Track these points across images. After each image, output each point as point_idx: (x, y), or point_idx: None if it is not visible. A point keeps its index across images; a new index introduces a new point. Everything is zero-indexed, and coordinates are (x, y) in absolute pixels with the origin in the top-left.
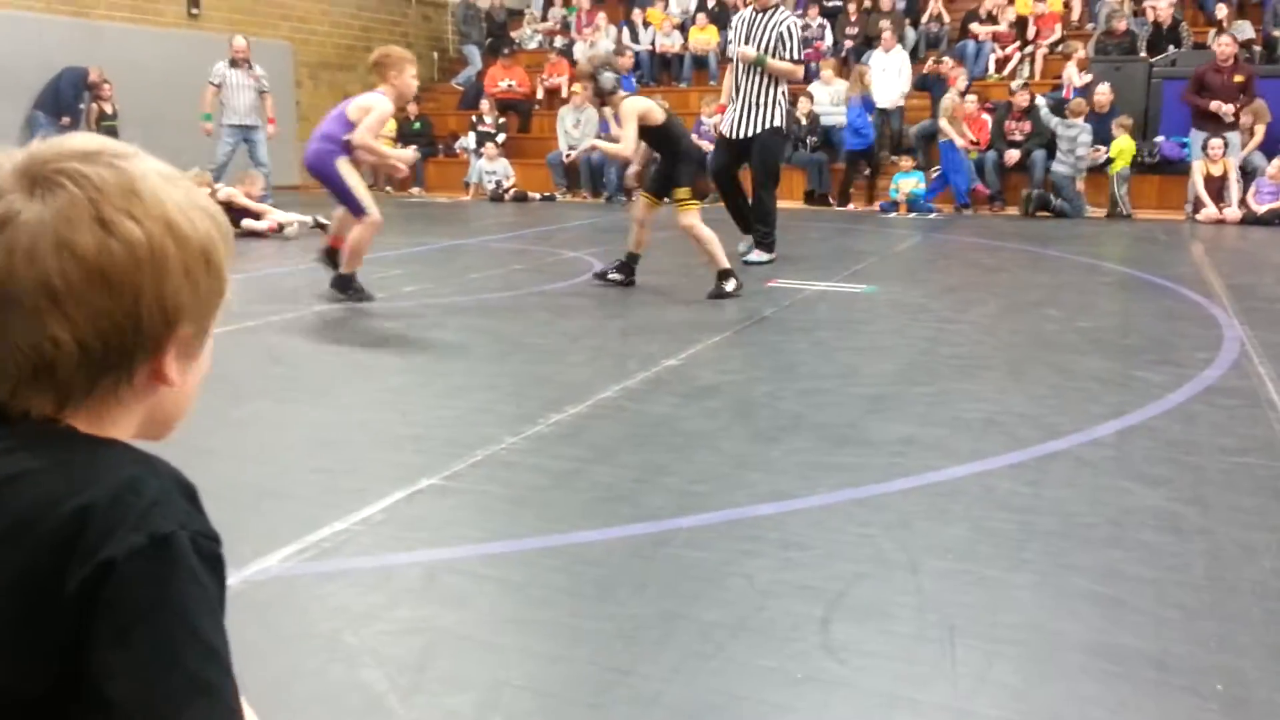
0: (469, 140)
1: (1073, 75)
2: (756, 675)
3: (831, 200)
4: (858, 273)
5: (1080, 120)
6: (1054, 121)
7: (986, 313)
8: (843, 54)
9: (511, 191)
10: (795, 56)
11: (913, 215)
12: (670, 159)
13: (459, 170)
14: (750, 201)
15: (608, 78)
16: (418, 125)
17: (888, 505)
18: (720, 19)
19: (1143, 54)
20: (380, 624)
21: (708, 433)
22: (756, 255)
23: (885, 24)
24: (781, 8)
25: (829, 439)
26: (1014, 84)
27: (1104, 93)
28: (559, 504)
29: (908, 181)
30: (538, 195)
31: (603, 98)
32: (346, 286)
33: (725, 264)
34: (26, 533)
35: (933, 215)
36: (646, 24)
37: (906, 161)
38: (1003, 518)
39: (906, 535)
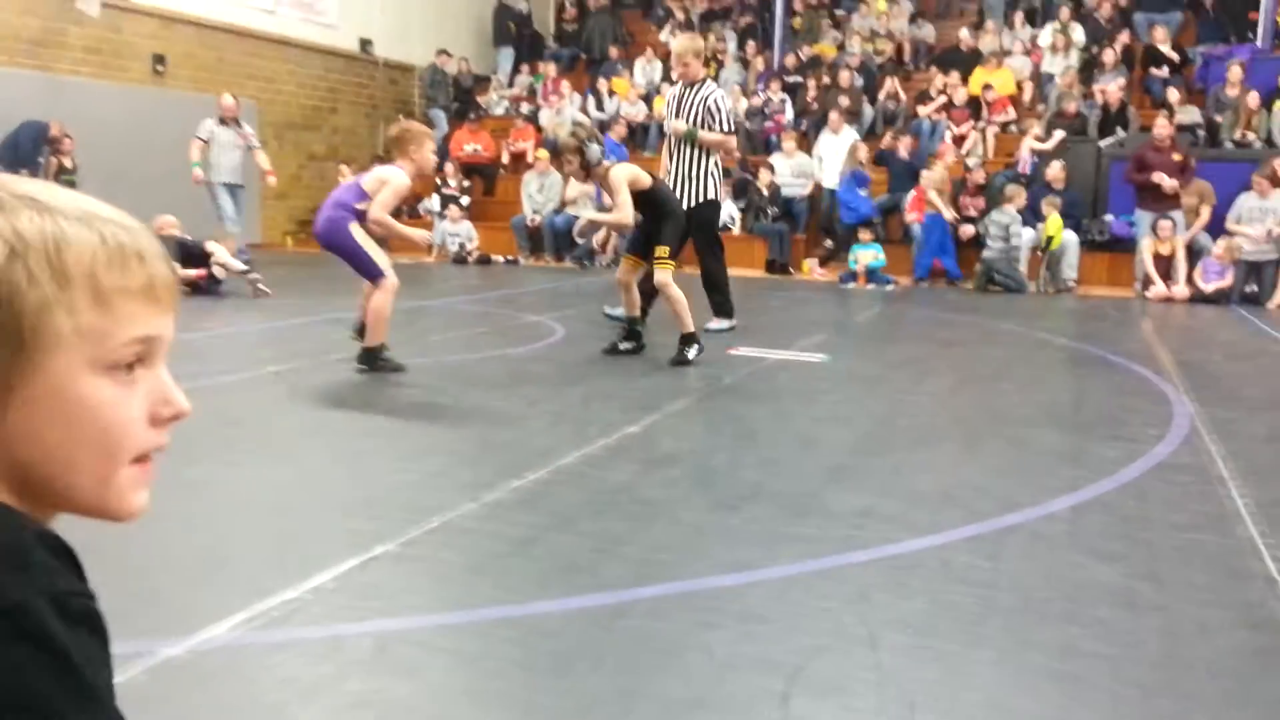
0: (433, 202)
1: (1024, 152)
2: None
3: (792, 270)
4: (818, 343)
5: (1011, 208)
6: (986, 221)
7: (942, 385)
8: (803, 128)
9: (475, 254)
10: (725, 128)
11: (871, 286)
12: (655, 220)
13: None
14: (701, 273)
15: (595, 150)
16: None
17: (847, 577)
18: None
19: (1092, 135)
20: (329, 696)
21: (667, 501)
22: (716, 324)
23: (834, 111)
24: (709, 82)
25: (788, 509)
26: (970, 160)
27: (1055, 170)
28: (516, 572)
29: (866, 254)
30: (501, 258)
31: (589, 170)
32: (374, 360)
33: (690, 328)
34: None
35: (890, 287)
36: (611, 93)
37: (866, 234)
38: (961, 592)
39: (866, 609)
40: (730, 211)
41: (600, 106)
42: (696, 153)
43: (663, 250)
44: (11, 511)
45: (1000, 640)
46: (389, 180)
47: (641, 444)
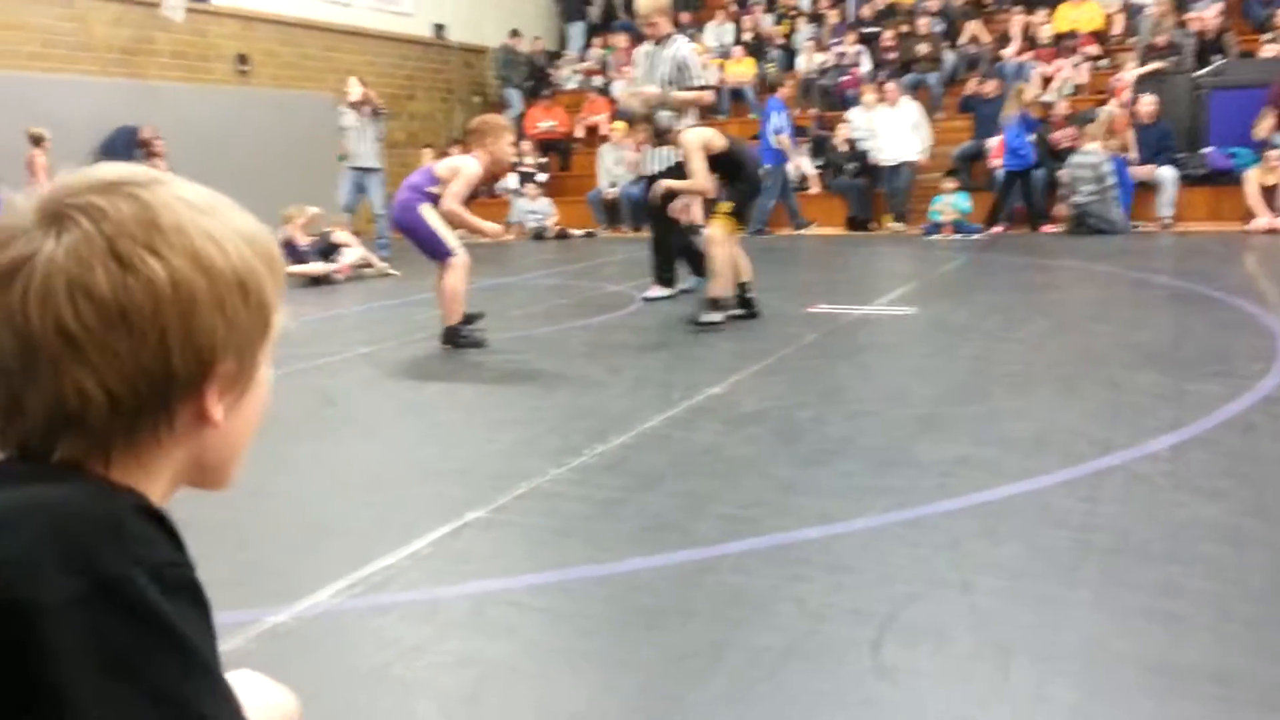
0: (511, 181)
1: (1127, 84)
2: (809, 700)
3: (873, 225)
4: (903, 295)
5: (1096, 145)
6: (1067, 164)
7: (1035, 330)
8: (879, 79)
9: (553, 229)
10: (696, 82)
11: (957, 236)
12: (731, 181)
13: (501, 210)
14: (654, 238)
15: (664, 116)
16: None
17: (938, 526)
18: (757, 50)
19: (1188, 66)
20: (430, 657)
21: (753, 459)
22: (655, 291)
23: (889, 84)
24: (676, 37)
25: (876, 461)
26: (1048, 96)
27: (1149, 103)
28: (605, 533)
29: (949, 203)
30: (579, 232)
31: (662, 136)
32: (456, 337)
33: (721, 292)
34: None
35: (977, 236)
36: None
37: (949, 183)
38: (1057, 535)
39: (958, 555)
40: (806, 169)
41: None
42: (671, 115)
43: (726, 206)
44: (115, 488)
45: (1098, 582)
46: (461, 169)
47: (725, 404)
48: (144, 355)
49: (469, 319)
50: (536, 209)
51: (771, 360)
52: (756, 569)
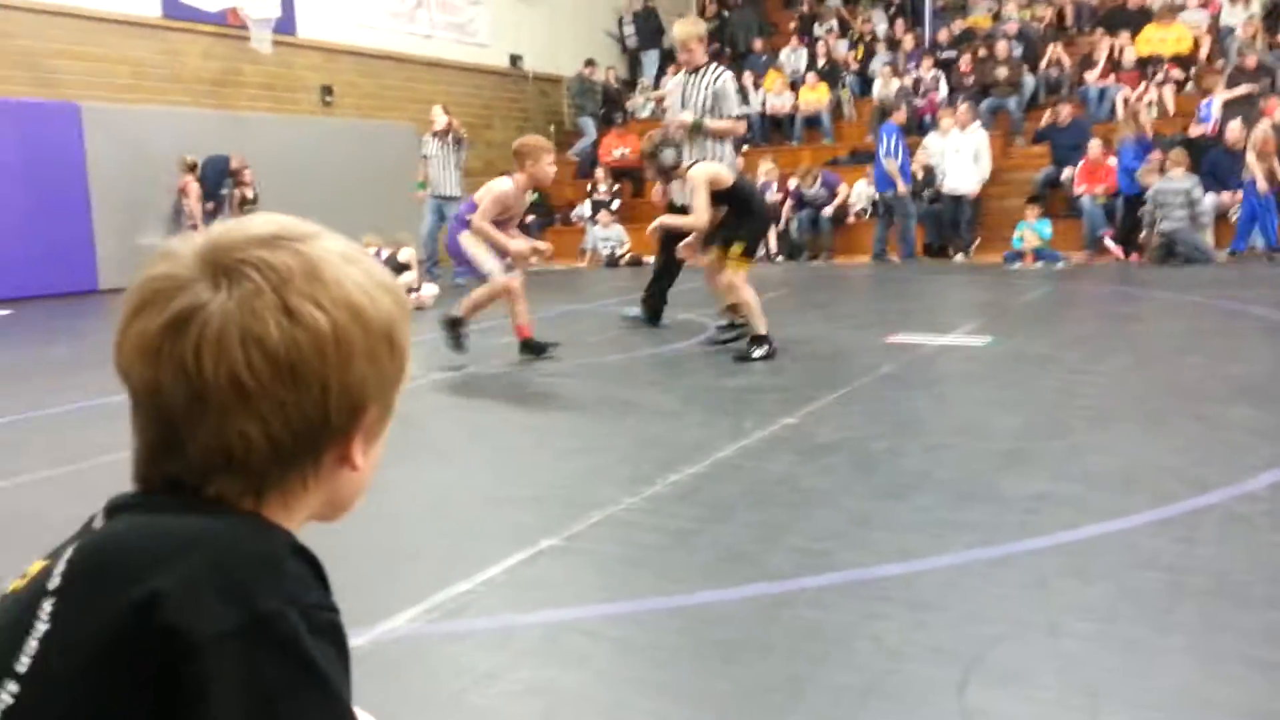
0: (585, 208)
1: (1216, 107)
2: None
3: (951, 253)
4: (981, 325)
5: (1181, 171)
6: (1149, 197)
7: (1120, 363)
8: (959, 103)
9: (626, 256)
10: (732, 113)
11: (1039, 264)
12: (739, 215)
13: (575, 238)
14: (662, 263)
15: (668, 154)
16: (536, 196)
17: (1023, 565)
18: (830, 77)
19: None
20: (504, 684)
21: (829, 490)
22: (635, 310)
23: (961, 105)
24: (714, 64)
25: (956, 496)
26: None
27: (1234, 129)
28: (679, 564)
29: (1033, 231)
30: (652, 259)
31: (667, 174)
32: (454, 327)
33: (763, 329)
34: (114, 598)
35: (1060, 265)
36: (757, 86)
37: (1032, 210)
38: (1149, 577)
39: (1045, 596)
40: (867, 195)
41: (746, 100)
42: (708, 143)
43: (737, 248)
44: (270, 526)
45: (1193, 626)
46: (491, 189)
47: (799, 435)
48: (306, 405)
49: (540, 347)
50: (609, 236)
51: (847, 390)
52: (834, 604)
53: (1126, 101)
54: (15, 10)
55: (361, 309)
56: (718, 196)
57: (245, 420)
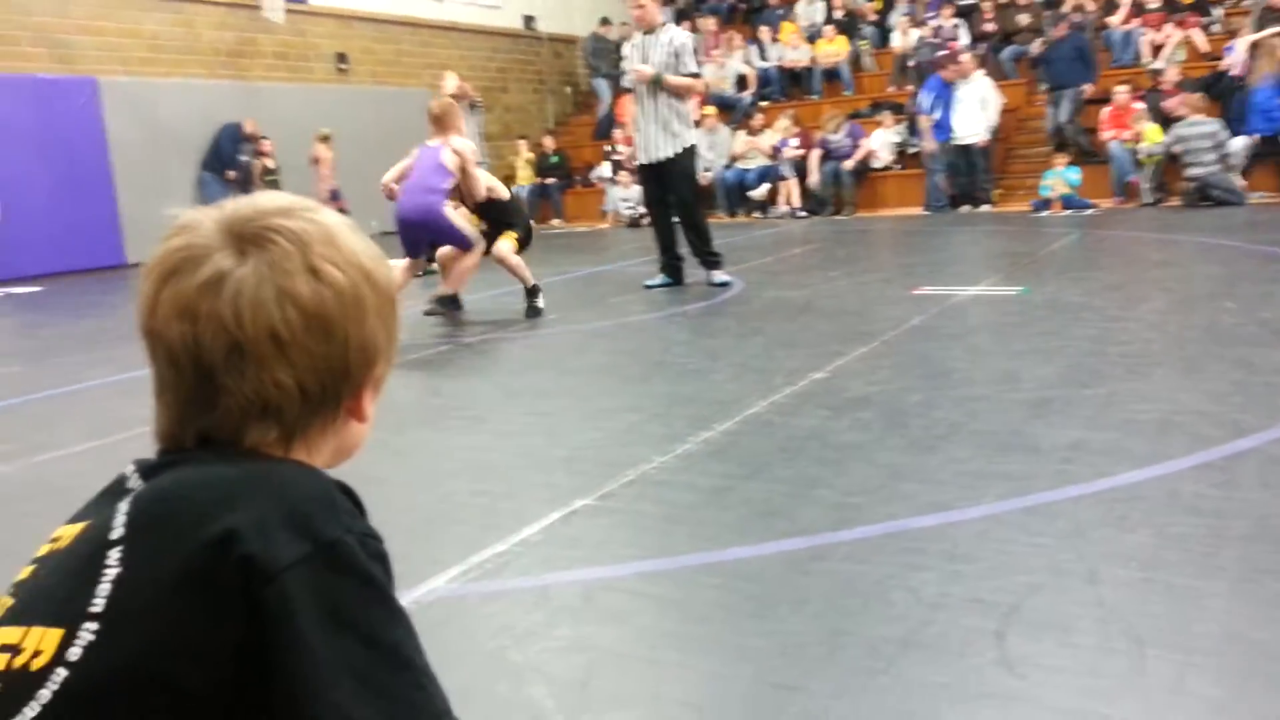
0: (604, 169)
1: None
2: (930, 692)
3: (968, 204)
4: (1012, 275)
5: (1201, 115)
6: (1169, 138)
7: (1155, 308)
8: (981, 52)
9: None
10: (693, 69)
11: (1068, 212)
12: (504, 216)
13: (596, 199)
14: (686, 228)
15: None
16: (555, 159)
17: (1060, 513)
18: (849, 28)
19: None
20: (543, 642)
21: (861, 444)
22: (719, 276)
23: (966, 56)
24: (669, 25)
25: (990, 447)
26: (1159, 62)
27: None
28: (713, 521)
29: (1061, 179)
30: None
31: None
32: (447, 304)
33: (532, 281)
34: (189, 537)
35: (1089, 211)
36: (774, 40)
37: (1060, 159)
38: (1189, 523)
39: (1083, 544)
40: (889, 145)
41: (763, 55)
42: (669, 99)
43: (512, 234)
44: (316, 470)
45: (1236, 570)
46: (464, 153)
47: (829, 389)
48: (331, 355)
49: (456, 304)
50: (629, 196)
51: (876, 344)
52: (868, 557)
53: (1156, 46)
54: None
55: (371, 271)
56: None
57: (281, 369)
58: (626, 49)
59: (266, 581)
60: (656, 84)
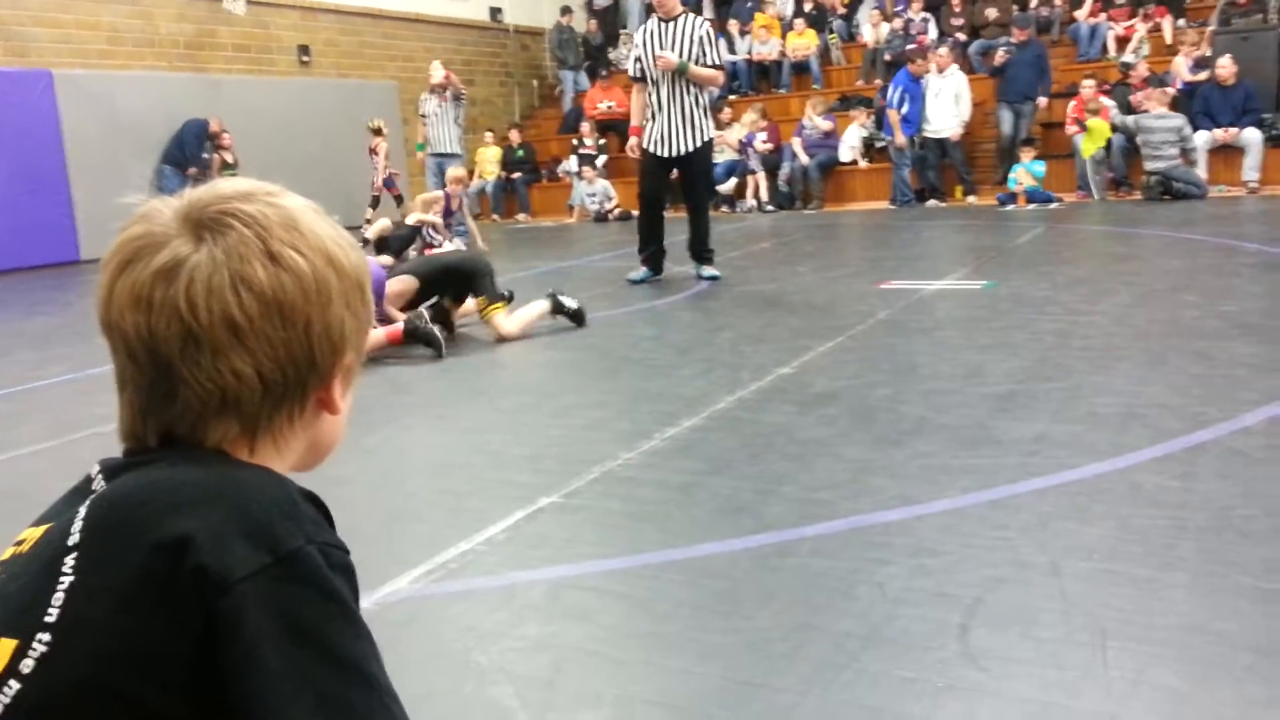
0: (571, 164)
1: (1181, 69)
2: (894, 685)
3: (948, 198)
4: (977, 269)
5: (1166, 109)
6: (1131, 120)
7: (1119, 302)
8: (949, 46)
9: (615, 211)
10: (718, 61)
11: (1032, 206)
12: (461, 283)
13: (563, 194)
14: (695, 221)
15: None
16: (520, 153)
17: (1023, 507)
18: (818, 22)
19: (1273, 22)
20: (508, 641)
21: (827, 440)
22: (711, 271)
23: (943, 50)
24: (690, 14)
25: (956, 441)
26: (1127, 57)
27: (1225, 65)
28: (678, 517)
29: (1027, 172)
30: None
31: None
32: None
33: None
34: (142, 546)
35: (1054, 205)
36: (743, 33)
37: (1028, 151)
38: (1150, 515)
39: (1046, 537)
40: (852, 142)
41: (731, 49)
42: (691, 90)
43: (494, 306)
44: (279, 475)
45: (1196, 562)
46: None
47: (796, 384)
48: (292, 343)
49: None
50: (595, 191)
51: (842, 339)
52: (834, 552)
53: (1121, 39)
54: None
55: (335, 256)
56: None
57: (238, 358)
58: (637, 36)
59: (221, 593)
60: (680, 74)
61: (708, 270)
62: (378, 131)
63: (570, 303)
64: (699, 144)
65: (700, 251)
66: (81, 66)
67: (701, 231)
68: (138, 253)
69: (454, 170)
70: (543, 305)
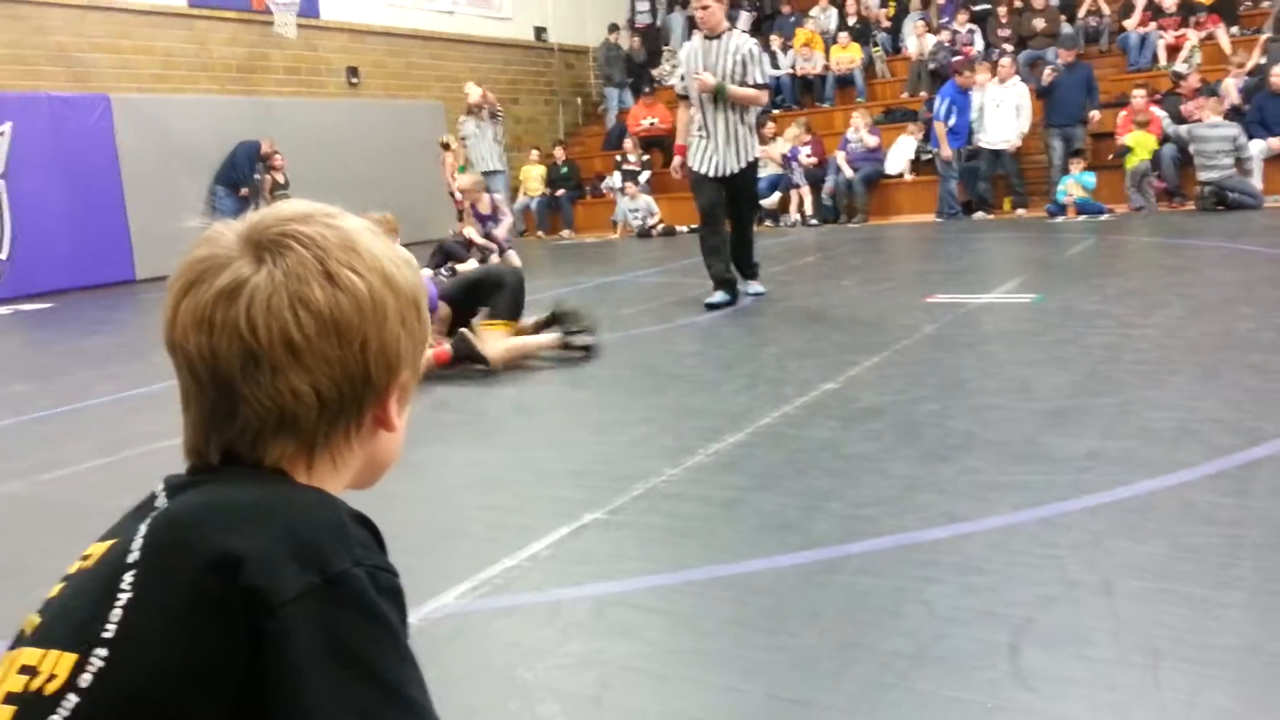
0: (614, 180)
1: (1230, 90)
2: (943, 706)
3: (997, 210)
4: (1026, 282)
5: (1220, 118)
6: (1184, 130)
7: (1172, 315)
8: (995, 58)
9: (659, 227)
10: (760, 80)
11: (1082, 218)
12: (484, 298)
13: (607, 210)
14: (739, 239)
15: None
16: (565, 170)
17: (1074, 524)
18: (862, 35)
19: None
20: (553, 658)
21: (873, 455)
22: (757, 287)
23: (1005, 61)
24: (736, 31)
25: (1005, 457)
26: (1179, 66)
27: (1279, 74)
28: (723, 534)
29: (1077, 184)
30: (685, 228)
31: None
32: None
33: (545, 339)
34: (196, 565)
35: (1105, 216)
36: (786, 48)
37: (1076, 164)
38: (1205, 532)
39: (1097, 555)
40: (907, 154)
41: (775, 64)
42: (737, 109)
43: (497, 325)
44: (332, 496)
45: (1253, 581)
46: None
47: (841, 400)
48: (349, 361)
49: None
50: (638, 207)
51: (888, 353)
52: (881, 570)
53: (1172, 48)
54: (52, 6)
55: (391, 276)
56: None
57: (297, 376)
58: (682, 53)
59: (269, 613)
60: (720, 95)
61: (754, 286)
62: (446, 146)
63: (584, 340)
64: (744, 164)
65: (745, 266)
66: (137, 91)
67: (746, 248)
68: (202, 275)
69: (461, 180)
70: (548, 339)
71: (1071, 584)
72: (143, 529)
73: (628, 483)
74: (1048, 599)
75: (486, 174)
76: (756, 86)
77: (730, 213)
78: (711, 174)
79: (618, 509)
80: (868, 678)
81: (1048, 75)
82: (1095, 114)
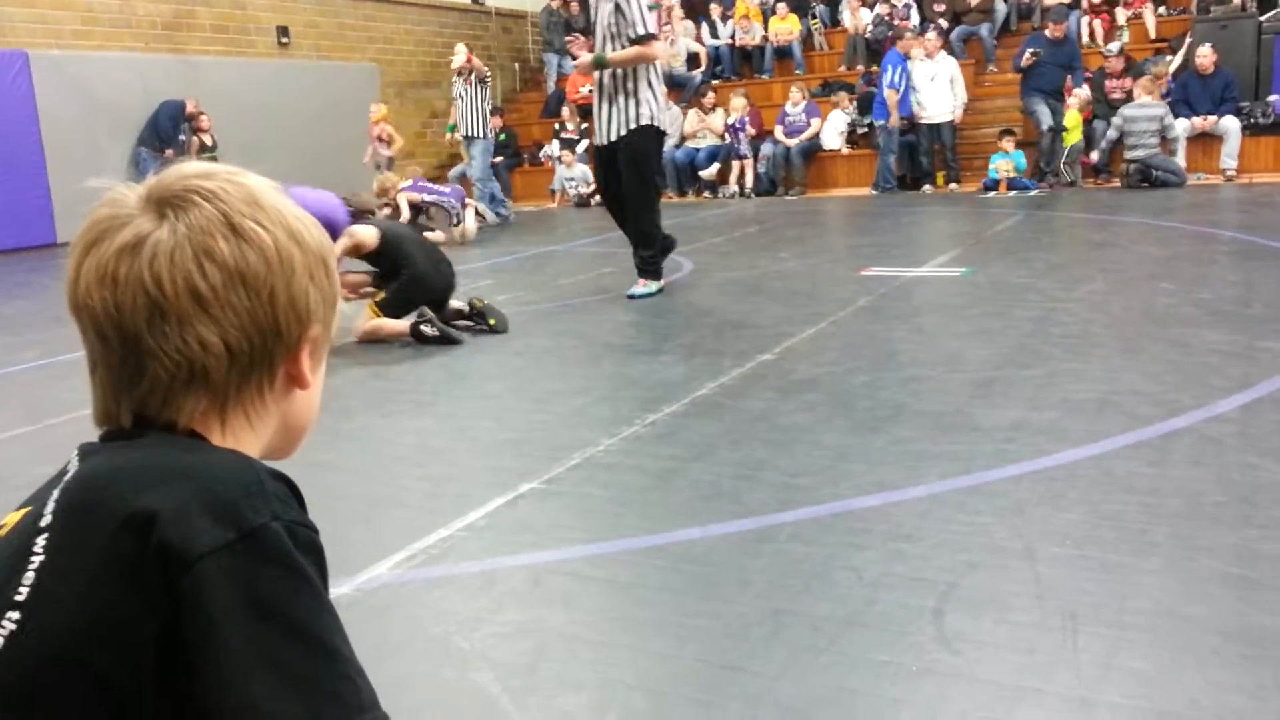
0: (553, 148)
1: (1143, 95)
2: (870, 669)
3: (931, 186)
4: (957, 256)
5: (1149, 99)
6: (1117, 118)
7: (1096, 289)
8: (927, 31)
9: (596, 196)
10: (642, 31)
11: (1012, 194)
12: (393, 278)
13: (545, 179)
14: (625, 222)
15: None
16: (503, 137)
17: (999, 493)
18: (801, 8)
19: (1251, 10)
20: (489, 627)
21: (807, 426)
22: (641, 287)
23: (932, 34)
24: None
25: (934, 427)
26: (1108, 47)
27: (1204, 54)
28: (660, 503)
29: (1005, 162)
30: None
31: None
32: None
33: (403, 325)
34: (108, 525)
35: (1034, 192)
36: (726, 18)
37: (1008, 142)
38: (1124, 500)
39: (1020, 523)
40: (839, 128)
41: (714, 33)
42: (622, 71)
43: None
44: (248, 457)
45: (1169, 547)
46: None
47: (777, 371)
48: (258, 312)
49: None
50: (574, 175)
51: (824, 325)
52: (813, 538)
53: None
54: None
55: (297, 231)
56: (369, 258)
57: (204, 327)
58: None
59: (185, 569)
60: (600, 66)
61: (637, 287)
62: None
63: (429, 330)
64: (624, 131)
65: (634, 254)
66: (57, 47)
67: (633, 235)
68: (104, 233)
69: (379, 179)
70: (403, 325)
71: (995, 550)
72: (55, 494)
73: (565, 452)
74: (972, 565)
75: (466, 139)
76: (637, 39)
77: (613, 187)
78: (600, 143)
79: (555, 479)
80: (798, 643)
81: (1027, 59)
82: (1084, 91)
